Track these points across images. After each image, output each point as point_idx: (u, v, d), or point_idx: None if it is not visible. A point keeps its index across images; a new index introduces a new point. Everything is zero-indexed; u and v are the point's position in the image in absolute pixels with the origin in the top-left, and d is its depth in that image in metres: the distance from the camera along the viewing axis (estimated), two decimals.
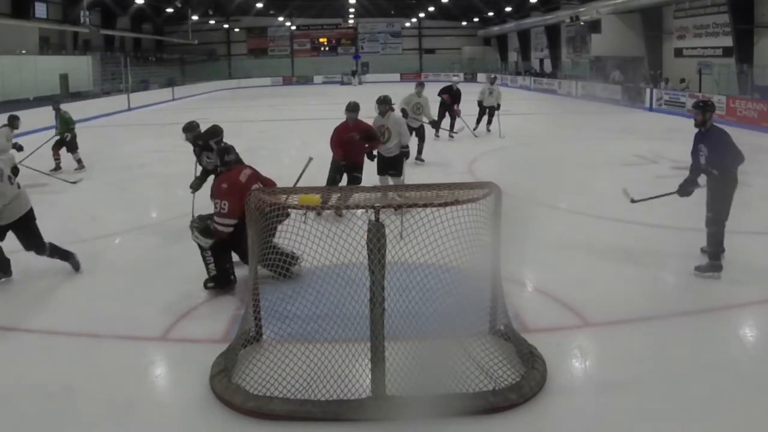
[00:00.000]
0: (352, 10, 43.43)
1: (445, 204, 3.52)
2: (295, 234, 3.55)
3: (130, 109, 24.60)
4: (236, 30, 47.37)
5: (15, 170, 7.01)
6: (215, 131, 6.55)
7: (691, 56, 23.74)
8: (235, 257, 5.26)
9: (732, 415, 3.33)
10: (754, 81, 18.92)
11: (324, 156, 10.81)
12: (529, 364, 3.66)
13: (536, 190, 8.21)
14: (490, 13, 40.27)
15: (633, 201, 5.89)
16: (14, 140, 9.59)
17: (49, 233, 6.88)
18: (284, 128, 17.41)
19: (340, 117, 7.58)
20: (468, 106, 14.26)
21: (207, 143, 6.54)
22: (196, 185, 6.92)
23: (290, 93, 33.04)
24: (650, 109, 20.44)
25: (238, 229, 4.76)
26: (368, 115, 7.80)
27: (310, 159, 6.38)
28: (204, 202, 6.54)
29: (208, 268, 5.08)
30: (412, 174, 9.57)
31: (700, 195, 5.51)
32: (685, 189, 5.52)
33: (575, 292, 4.91)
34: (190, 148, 7.00)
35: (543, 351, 3.81)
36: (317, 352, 3.61)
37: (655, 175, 9.43)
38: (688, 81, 21.95)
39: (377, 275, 3.31)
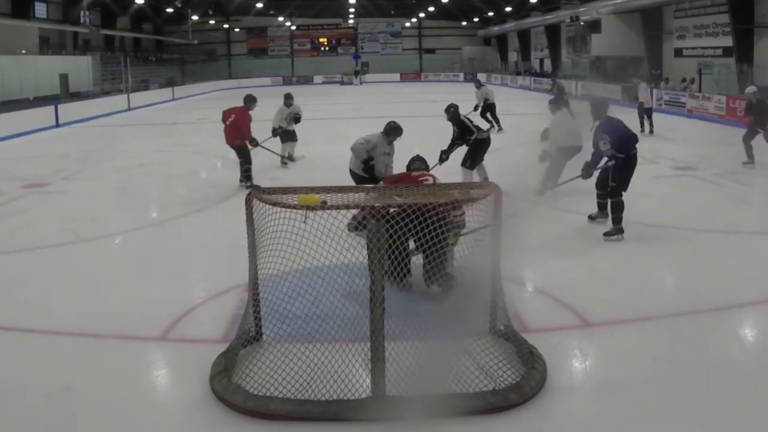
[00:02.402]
0: (352, 10, 43.45)
1: (446, 204, 3.52)
2: (295, 234, 3.55)
3: (130, 109, 24.61)
4: (236, 30, 47.40)
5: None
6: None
7: (691, 56, 23.76)
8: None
9: (732, 415, 3.33)
10: (754, 81, 18.92)
11: (323, 156, 10.82)
12: (529, 364, 3.65)
13: (536, 190, 8.19)
14: (490, 13, 40.31)
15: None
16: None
17: (49, 233, 6.91)
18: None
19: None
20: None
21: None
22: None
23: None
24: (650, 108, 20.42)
25: None
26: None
27: None
28: None
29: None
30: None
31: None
32: (588, 172, 6.52)
33: (575, 292, 4.91)
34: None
35: (543, 351, 3.81)
36: (317, 352, 3.60)
37: (654, 175, 9.43)
38: (690, 79, 21.96)
39: (377, 275, 3.31)
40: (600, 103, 6.70)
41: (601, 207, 6.70)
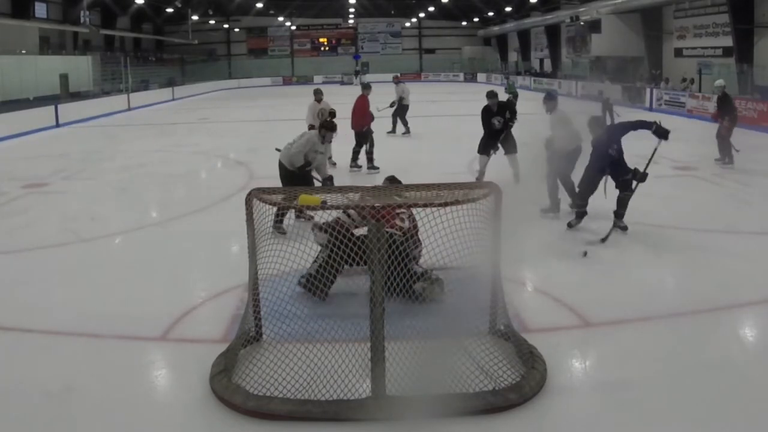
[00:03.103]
0: (352, 10, 43.43)
1: (445, 204, 3.52)
2: (295, 234, 3.55)
3: (130, 109, 24.61)
4: (236, 30, 47.38)
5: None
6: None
7: (691, 56, 23.76)
8: None
9: (732, 415, 3.33)
10: (754, 81, 18.93)
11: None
12: (529, 364, 3.65)
13: (536, 190, 8.20)
14: (490, 13, 40.30)
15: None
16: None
17: (49, 233, 6.92)
18: (284, 128, 17.42)
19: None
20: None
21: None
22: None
23: (290, 93, 33.03)
24: (650, 109, 20.44)
25: None
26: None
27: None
28: None
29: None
30: (412, 174, 9.57)
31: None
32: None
33: (575, 292, 4.91)
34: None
35: (543, 351, 3.81)
36: (317, 352, 3.61)
37: (655, 176, 9.41)
38: (690, 79, 21.97)
39: (377, 275, 3.31)
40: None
41: (580, 216, 6.60)
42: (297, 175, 6.56)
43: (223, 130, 16.92)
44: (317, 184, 6.77)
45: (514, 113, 8.78)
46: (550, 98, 7.57)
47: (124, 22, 35.93)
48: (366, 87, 10.63)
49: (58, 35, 29.53)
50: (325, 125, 6.83)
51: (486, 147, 8.71)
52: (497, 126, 8.64)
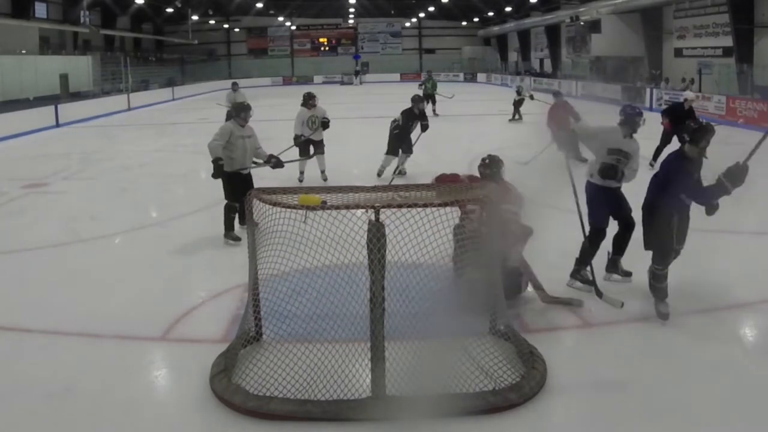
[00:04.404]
0: (352, 10, 43.42)
1: (445, 204, 3.52)
2: (295, 234, 3.55)
3: (130, 109, 24.60)
4: (236, 30, 47.38)
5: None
6: None
7: (691, 56, 23.76)
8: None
9: (732, 415, 3.33)
10: (754, 81, 18.93)
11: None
12: (529, 364, 3.66)
13: (536, 190, 8.20)
14: (490, 13, 40.29)
15: None
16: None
17: (49, 233, 6.92)
18: (284, 128, 17.39)
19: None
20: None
21: None
22: None
23: (290, 93, 32.99)
24: (650, 109, 20.43)
25: None
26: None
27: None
28: None
29: None
30: (412, 173, 9.58)
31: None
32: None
33: (575, 292, 4.91)
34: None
35: (543, 351, 3.81)
36: (317, 352, 3.61)
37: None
38: (690, 79, 21.98)
39: (377, 275, 3.30)
40: None
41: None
42: (218, 170, 6.55)
43: None
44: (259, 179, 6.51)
45: (426, 117, 9.59)
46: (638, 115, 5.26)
47: (124, 22, 35.93)
48: (557, 94, 11.87)
49: (58, 35, 29.53)
50: (237, 107, 6.62)
51: (396, 149, 9.32)
52: (413, 130, 9.33)
